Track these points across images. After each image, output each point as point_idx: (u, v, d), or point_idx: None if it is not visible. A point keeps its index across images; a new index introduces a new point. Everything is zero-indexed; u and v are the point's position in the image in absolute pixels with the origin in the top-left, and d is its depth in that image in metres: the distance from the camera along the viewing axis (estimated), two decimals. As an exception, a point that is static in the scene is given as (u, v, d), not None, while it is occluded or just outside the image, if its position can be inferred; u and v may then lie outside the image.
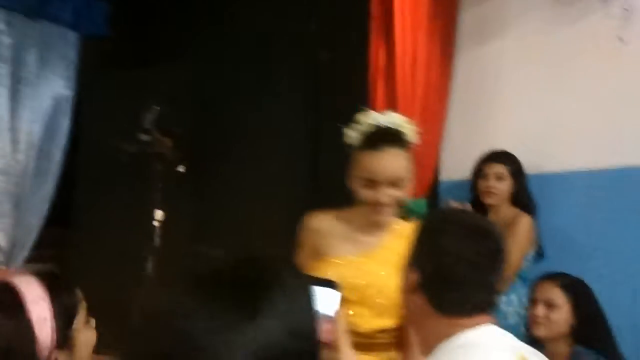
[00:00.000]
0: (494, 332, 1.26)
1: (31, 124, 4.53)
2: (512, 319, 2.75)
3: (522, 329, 2.69)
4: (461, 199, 2.99)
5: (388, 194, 1.83)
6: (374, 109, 3.14)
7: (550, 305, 2.30)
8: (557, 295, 2.31)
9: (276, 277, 0.72)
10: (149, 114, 4.09)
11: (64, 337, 1.23)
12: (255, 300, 0.68)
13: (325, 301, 0.88)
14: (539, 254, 2.88)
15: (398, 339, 1.91)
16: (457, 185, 3.21)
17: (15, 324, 1.15)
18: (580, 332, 2.28)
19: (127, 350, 0.68)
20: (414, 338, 1.81)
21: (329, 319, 0.88)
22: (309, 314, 0.74)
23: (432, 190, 3.24)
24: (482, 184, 2.92)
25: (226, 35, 4.29)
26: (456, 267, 1.24)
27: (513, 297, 2.78)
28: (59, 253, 4.62)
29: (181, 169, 4.10)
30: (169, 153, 4.14)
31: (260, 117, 4.05)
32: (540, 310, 2.31)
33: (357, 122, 1.90)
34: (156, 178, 4.09)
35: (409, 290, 1.30)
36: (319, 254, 1.91)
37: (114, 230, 4.39)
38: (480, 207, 2.93)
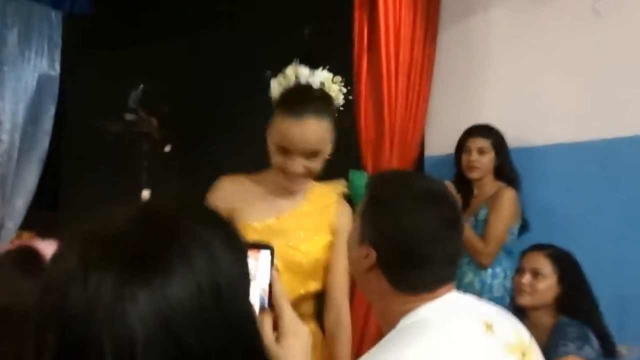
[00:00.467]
0: (454, 301, 1.19)
1: (14, 104, 4.49)
2: (498, 292, 2.78)
3: (507, 301, 2.72)
4: (446, 174, 3.00)
5: (301, 164, 1.69)
6: (359, 86, 3.16)
7: (536, 274, 2.32)
8: (544, 265, 2.33)
9: (189, 233, 0.63)
10: (134, 93, 4.07)
11: None
12: (157, 258, 0.60)
13: (258, 264, 0.85)
14: (524, 227, 2.90)
15: (317, 309, 1.85)
16: (442, 161, 3.22)
17: (36, 285, 1.19)
18: (565, 302, 2.30)
19: (32, 321, 0.64)
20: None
21: (264, 282, 0.85)
22: (233, 272, 0.65)
23: (418, 165, 3.25)
24: (464, 158, 2.93)
25: (211, 14, 4.25)
26: (416, 245, 1.16)
27: (498, 270, 2.81)
28: (47, 235, 4.59)
29: (167, 148, 4.09)
30: (155, 132, 4.13)
31: (247, 95, 4.03)
32: (527, 278, 2.33)
33: (284, 75, 1.76)
34: (142, 158, 4.08)
35: (364, 269, 1.21)
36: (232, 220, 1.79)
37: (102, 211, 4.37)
38: (463, 181, 2.94)
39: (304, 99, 1.70)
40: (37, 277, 1.21)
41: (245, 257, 0.70)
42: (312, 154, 1.69)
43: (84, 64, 4.60)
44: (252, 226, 1.75)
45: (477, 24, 3.25)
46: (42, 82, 4.60)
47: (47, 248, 1.25)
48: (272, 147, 1.72)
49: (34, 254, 1.27)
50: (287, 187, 1.76)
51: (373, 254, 1.18)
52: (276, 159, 1.71)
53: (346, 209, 1.84)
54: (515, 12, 3.16)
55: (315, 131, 1.67)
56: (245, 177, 1.84)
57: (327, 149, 1.73)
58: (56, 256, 0.65)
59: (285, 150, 1.69)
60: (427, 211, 1.18)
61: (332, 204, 1.83)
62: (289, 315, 0.84)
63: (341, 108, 1.80)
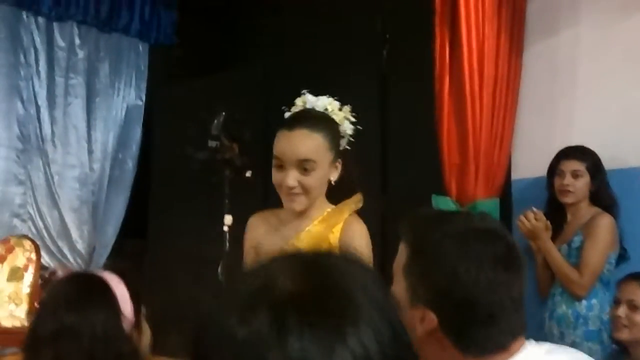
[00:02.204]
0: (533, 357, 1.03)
1: (105, 133, 4.68)
2: (594, 325, 2.58)
3: (604, 335, 2.53)
4: (536, 199, 2.85)
5: (294, 178, 1.72)
6: (441, 106, 3.06)
7: (633, 306, 2.17)
8: None
9: (354, 282, 0.62)
10: (217, 120, 4.13)
11: (137, 318, 1.35)
12: (344, 314, 0.59)
13: None
14: (622, 256, 2.69)
15: None
16: (531, 184, 3.05)
17: (108, 303, 1.27)
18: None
19: None
20: None
21: None
22: (397, 318, 0.64)
23: (505, 189, 3.10)
24: (557, 182, 2.75)
25: (293, 39, 4.27)
26: (480, 296, 0.98)
27: (594, 302, 2.61)
28: (136, 262, 4.72)
29: (248, 174, 4.11)
30: (236, 159, 4.16)
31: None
32: (622, 311, 2.18)
33: (294, 105, 1.85)
34: (225, 184, 4.12)
35: (422, 334, 1.02)
36: (258, 254, 1.85)
37: (188, 238, 4.44)
38: (556, 206, 2.77)
39: (299, 115, 1.81)
40: (102, 291, 1.25)
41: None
42: (304, 166, 1.72)
43: (169, 93, 4.73)
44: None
45: (564, 39, 3.08)
46: (130, 111, 4.78)
47: (101, 272, 1.36)
48: (273, 168, 1.78)
49: (94, 275, 1.30)
50: (288, 206, 1.78)
51: (431, 317, 1.01)
52: (274, 176, 1.76)
53: (356, 226, 1.78)
54: (603, 26, 2.97)
55: (304, 141, 1.73)
56: (270, 212, 1.90)
57: (321, 163, 1.74)
58: (229, 317, 0.61)
59: (280, 165, 1.74)
60: (484, 254, 1.01)
61: (339, 224, 1.79)
62: None
63: (351, 138, 1.85)
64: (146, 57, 4.82)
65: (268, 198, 4.37)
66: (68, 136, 4.52)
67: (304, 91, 1.85)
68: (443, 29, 3.07)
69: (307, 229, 1.80)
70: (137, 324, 1.35)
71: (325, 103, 1.81)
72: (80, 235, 4.51)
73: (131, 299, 1.33)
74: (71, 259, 4.46)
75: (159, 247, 4.63)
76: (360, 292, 0.61)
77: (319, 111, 1.80)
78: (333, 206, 1.83)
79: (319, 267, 0.64)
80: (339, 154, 1.79)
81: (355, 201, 1.84)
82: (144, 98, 4.81)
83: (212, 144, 4.16)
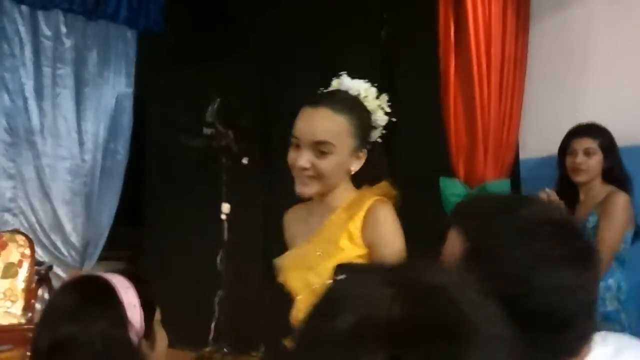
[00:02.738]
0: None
1: (96, 123, 4.56)
2: (611, 306, 2.54)
3: (622, 315, 2.49)
4: (545, 179, 2.79)
5: (307, 159, 1.59)
6: (447, 88, 2.99)
7: None
8: None
9: (456, 299, 0.56)
10: (211, 107, 4.03)
11: (148, 327, 1.25)
12: (460, 345, 0.54)
13: None
14: (638, 234, 2.64)
15: None
16: (539, 163, 3.00)
17: (112, 310, 1.19)
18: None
19: None
20: None
21: None
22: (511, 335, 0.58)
23: (514, 169, 3.05)
24: (569, 161, 2.69)
25: (288, 23, 4.17)
26: (560, 303, 0.88)
27: (611, 282, 2.56)
28: (133, 252, 4.65)
29: (245, 161, 4.03)
30: (233, 146, 4.07)
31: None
32: None
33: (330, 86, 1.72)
34: (222, 171, 4.04)
35: None
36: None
37: (185, 226, 4.36)
38: (568, 186, 2.71)
39: (326, 94, 1.67)
40: (108, 300, 1.16)
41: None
42: (320, 149, 1.59)
43: (161, 80, 4.62)
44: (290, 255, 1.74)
45: (573, 15, 3.02)
46: (120, 100, 4.66)
47: (110, 276, 1.25)
48: (290, 145, 1.66)
49: (100, 280, 1.23)
50: (298, 190, 1.65)
51: None
52: (289, 155, 1.64)
53: (379, 213, 1.62)
54: (614, 1, 2.91)
55: (324, 121, 1.60)
56: (301, 205, 1.78)
57: (340, 148, 1.61)
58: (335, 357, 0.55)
59: (297, 145, 1.62)
60: (559, 254, 0.89)
61: (360, 211, 1.63)
62: None
63: (383, 130, 1.70)
64: (135, 45, 4.71)
65: (265, 184, 4.31)
66: (58, 127, 4.40)
67: (341, 72, 1.70)
68: (447, 8, 3.00)
69: (330, 218, 1.68)
70: (147, 333, 1.25)
71: (360, 87, 1.67)
72: (74, 227, 4.41)
73: (142, 305, 1.23)
74: (65, 253, 4.36)
75: (156, 236, 4.54)
76: (469, 312, 0.56)
77: (349, 94, 1.66)
78: (357, 192, 1.71)
79: (417, 287, 0.58)
80: (364, 143, 1.66)
81: (382, 188, 1.70)
82: (134, 86, 4.70)
83: (207, 131, 4.07)
